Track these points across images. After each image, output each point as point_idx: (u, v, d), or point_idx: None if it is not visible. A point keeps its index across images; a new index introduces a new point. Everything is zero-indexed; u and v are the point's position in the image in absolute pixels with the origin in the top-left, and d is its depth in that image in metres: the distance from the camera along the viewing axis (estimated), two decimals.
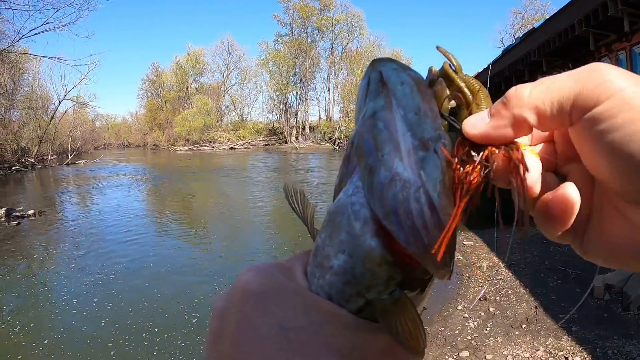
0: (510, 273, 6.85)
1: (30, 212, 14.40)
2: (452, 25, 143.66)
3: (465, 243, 8.65)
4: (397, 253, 0.37)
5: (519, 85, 0.35)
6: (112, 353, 5.41)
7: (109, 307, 6.72)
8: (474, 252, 8.19)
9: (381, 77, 0.39)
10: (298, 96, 71.00)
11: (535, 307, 5.65)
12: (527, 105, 0.33)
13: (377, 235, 0.37)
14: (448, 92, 0.39)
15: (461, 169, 0.35)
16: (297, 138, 68.04)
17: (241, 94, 77.72)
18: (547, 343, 4.80)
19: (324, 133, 65.88)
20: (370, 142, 0.37)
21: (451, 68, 0.39)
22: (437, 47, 0.40)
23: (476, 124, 0.36)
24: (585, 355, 4.48)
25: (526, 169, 0.34)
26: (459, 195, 0.35)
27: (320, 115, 73.88)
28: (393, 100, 0.37)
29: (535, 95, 0.33)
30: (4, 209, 14.07)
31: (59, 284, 7.90)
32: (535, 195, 0.37)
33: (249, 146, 65.21)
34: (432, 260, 0.34)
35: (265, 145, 67.10)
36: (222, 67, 77.74)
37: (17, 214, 14.01)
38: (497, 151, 0.35)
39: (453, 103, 0.40)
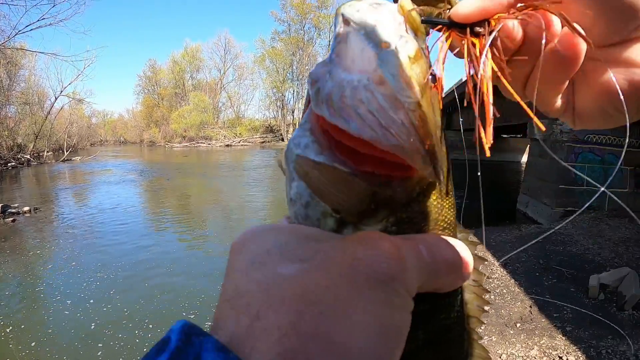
0: (504, 272, 6.86)
1: (26, 208, 14.34)
2: None
3: None
4: (362, 164, 0.35)
5: None
6: (99, 354, 5.39)
7: (102, 306, 6.69)
8: None
9: (343, 18, 0.38)
10: (295, 93, 70.88)
11: (530, 306, 5.66)
12: None
13: (322, 153, 0.36)
14: (410, 4, 0.38)
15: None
16: None
17: (238, 91, 77.81)
18: (541, 342, 4.81)
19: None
20: (319, 70, 0.38)
21: None
22: None
23: (467, 3, 0.36)
24: (579, 355, 4.49)
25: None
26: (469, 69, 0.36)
27: None
28: (351, 30, 0.36)
29: None
30: None
31: (53, 283, 7.86)
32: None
33: (246, 143, 65.06)
34: (396, 143, 0.33)
35: (262, 142, 66.93)
36: (219, 64, 77.75)
37: (13, 210, 13.93)
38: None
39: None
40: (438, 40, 0.38)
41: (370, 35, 0.35)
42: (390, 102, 0.33)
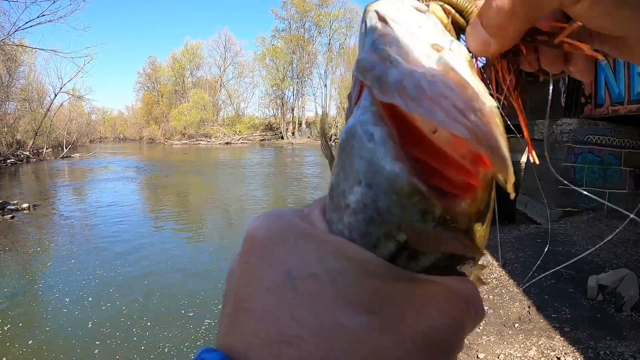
0: (503, 272, 6.87)
1: (25, 205, 14.35)
2: None
3: None
4: (430, 177, 0.31)
5: None
6: (96, 352, 5.40)
7: (101, 304, 6.71)
8: None
9: (378, 15, 0.35)
10: (295, 92, 70.92)
11: (528, 307, 5.66)
12: None
13: (400, 158, 0.30)
14: (441, 9, 0.38)
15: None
16: (293, 134, 67.88)
17: (238, 89, 77.63)
18: (539, 342, 4.81)
19: (321, 129, 65.70)
20: (372, 57, 0.32)
21: None
22: None
23: (472, 38, 0.35)
24: (578, 356, 4.49)
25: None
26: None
27: (316, 111, 73.74)
28: (392, 26, 0.34)
29: None
30: None
31: (52, 280, 7.88)
32: None
33: (245, 141, 65.05)
34: (488, 144, 0.28)
35: (261, 140, 66.93)
36: (219, 62, 77.56)
37: (12, 207, 13.93)
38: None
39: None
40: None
41: (418, 35, 0.33)
42: (476, 104, 0.29)
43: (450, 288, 0.30)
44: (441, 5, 0.38)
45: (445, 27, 0.37)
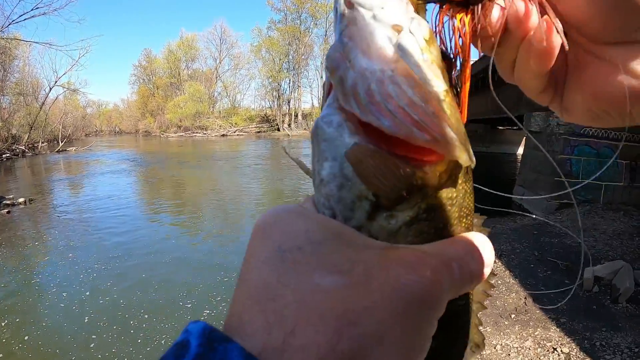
0: (499, 263, 6.90)
1: (21, 200, 14.31)
2: None
3: None
4: (386, 146, 0.34)
5: None
6: (92, 345, 5.41)
7: (99, 297, 6.71)
8: None
9: (345, 1, 0.37)
10: (291, 83, 70.75)
11: (525, 298, 5.70)
12: None
13: (356, 133, 0.34)
14: None
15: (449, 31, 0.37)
16: (289, 125, 67.79)
17: (234, 81, 77.36)
18: (535, 333, 4.85)
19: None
20: (337, 56, 0.36)
21: None
22: None
23: None
24: (573, 346, 4.53)
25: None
26: (455, 52, 0.36)
27: (313, 103, 73.67)
28: (357, 11, 0.35)
29: None
30: None
31: (49, 275, 7.88)
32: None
33: (241, 133, 64.95)
34: (433, 137, 0.32)
35: (258, 132, 66.83)
36: (215, 54, 77.31)
37: (8, 202, 13.90)
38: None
39: None
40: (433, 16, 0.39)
41: (380, 18, 0.34)
42: (420, 94, 0.32)
43: (423, 250, 0.32)
44: None
45: None
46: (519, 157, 12.09)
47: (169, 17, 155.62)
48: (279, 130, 66.56)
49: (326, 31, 68.43)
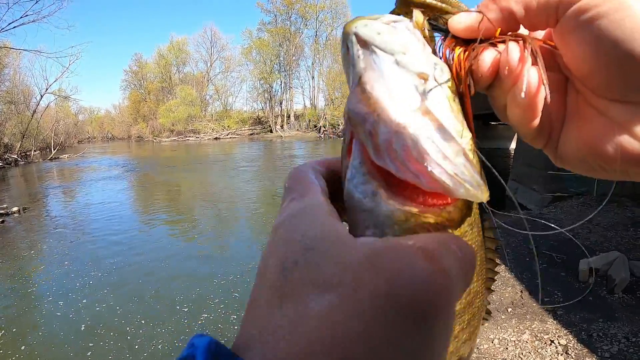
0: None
1: (15, 209, 14.23)
2: None
3: None
4: (420, 202, 0.34)
5: None
6: (88, 354, 5.37)
7: (95, 305, 6.68)
8: None
9: (358, 39, 0.37)
10: (282, 85, 70.61)
11: (521, 291, 5.71)
12: None
13: (390, 198, 0.34)
14: (423, 16, 0.39)
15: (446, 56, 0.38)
16: (282, 127, 67.73)
17: (225, 84, 77.04)
18: (532, 326, 4.86)
19: (309, 121, 65.67)
20: (360, 108, 0.35)
21: None
22: None
23: (461, 18, 0.37)
24: (571, 338, 4.54)
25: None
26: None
27: (305, 104, 73.63)
28: (376, 55, 0.36)
29: None
30: None
31: (45, 284, 7.83)
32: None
33: (234, 136, 64.80)
34: (467, 189, 0.32)
35: (250, 134, 66.71)
36: (206, 57, 76.99)
37: (1, 211, 13.81)
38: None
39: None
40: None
41: (404, 64, 0.35)
42: (453, 147, 0.33)
43: (413, 239, 0.30)
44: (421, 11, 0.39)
45: (422, 32, 0.38)
46: (512, 152, 12.13)
47: (158, 21, 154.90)
48: (271, 131, 66.48)
49: (316, 31, 68.45)
